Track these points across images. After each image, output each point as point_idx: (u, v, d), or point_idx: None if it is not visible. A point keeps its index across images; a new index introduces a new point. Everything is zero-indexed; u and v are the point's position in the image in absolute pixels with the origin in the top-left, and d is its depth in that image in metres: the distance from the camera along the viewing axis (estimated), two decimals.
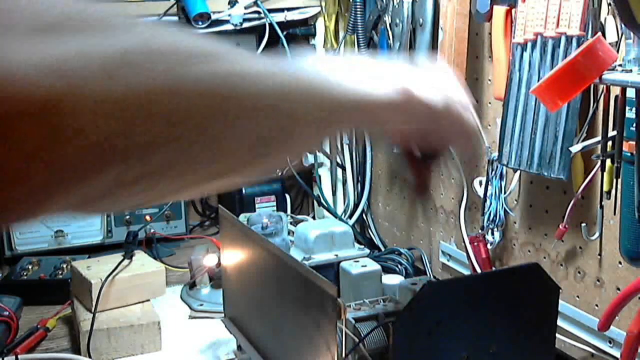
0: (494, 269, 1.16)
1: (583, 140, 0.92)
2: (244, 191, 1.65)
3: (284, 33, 1.53)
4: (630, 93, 0.79)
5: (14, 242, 1.49)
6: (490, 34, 1.08)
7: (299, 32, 1.58)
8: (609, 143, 0.87)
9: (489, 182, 1.10)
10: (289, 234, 1.29)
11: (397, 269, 1.31)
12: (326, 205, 1.60)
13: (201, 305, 1.26)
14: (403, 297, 0.96)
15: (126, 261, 1.30)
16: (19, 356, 1.07)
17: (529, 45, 0.96)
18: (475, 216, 1.19)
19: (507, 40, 1.02)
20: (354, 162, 1.58)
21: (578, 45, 0.88)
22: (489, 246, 1.14)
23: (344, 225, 1.30)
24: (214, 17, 1.43)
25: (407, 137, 0.66)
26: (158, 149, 0.38)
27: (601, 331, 0.85)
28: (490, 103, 1.14)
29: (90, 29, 0.36)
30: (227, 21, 1.49)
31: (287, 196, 1.71)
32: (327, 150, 1.61)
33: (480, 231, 1.14)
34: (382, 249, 1.50)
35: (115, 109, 0.35)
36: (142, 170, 0.39)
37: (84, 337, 1.08)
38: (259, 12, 1.50)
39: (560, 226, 0.98)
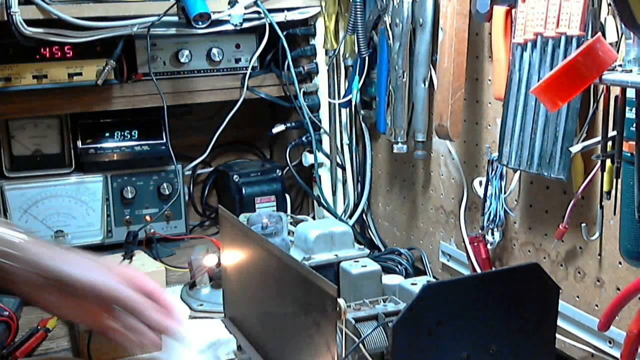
0: (494, 269, 1.16)
1: (583, 140, 0.92)
2: (244, 191, 1.65)
3: (284, 33, 1.53)
4: (630, 93, 0.79)
5: None
6: (490, 34, 1.08)
7: (299, 32, 1.58)
8: (609, 143, 0.87)
9: (489, 182, 1.10)
10: (289, 234, 1.29)
11: (397, 269, 1.31)
12: (326, 205, 1.60)
13: (201, 305, 1.26)
14: (403, 297, 0.96)
15: (126, 261, 1.31)
16: None
17: (529, 45, 0.96)
18: (475, 216, 1.19)
19: (507, 40, 1.02)
20: (354, 162, 1.58)
21: (578, 45, 0.88)
22: (489, 246, 1.14)
23: (344, 225, 1.30)
24: (214, 17, 1.43)
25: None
26: None
27: (601, 331, 0.85)
28: (490, 103, 1.14)
29: None
30: (227, 21, 1.49)
31: (287, 196, 1.71)
32: (327, 150, 1.61)
33: (480, 231, 1.14)
34: (382, 249, 1.50)
35: None
36: None
37: (84, 337, 1.08)
38: (259, 12, 1.50)
39: (560, 226, 0.98)
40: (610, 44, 0.84)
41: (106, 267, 0.92)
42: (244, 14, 1.48)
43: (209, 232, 1.71)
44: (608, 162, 0.87)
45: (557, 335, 0.85)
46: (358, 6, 1.35)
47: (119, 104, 1.52)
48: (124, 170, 1.57)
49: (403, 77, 1.25)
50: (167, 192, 1.60)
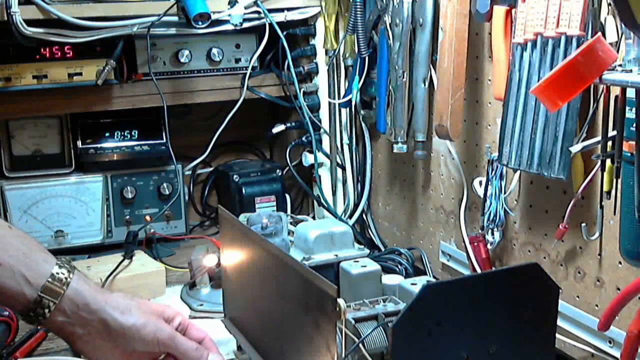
0: (494, 269, 1.16)
1: (583, 140, 0.92)
2: (244, 191, 1.65)
3: (284, 33, 1.53)
4: (630, 93, 0.79)
5: None
6: (490, 34, 1.08)
7: (299, 32, 1.58)
8: (609, 143, 0.87)
9: (489, 182, 1.10)
10: (289, 234, 1.29)
11: (397, 269, 1.31)
12: (326, 205, 1.60)
13: (201, 305, 1.26)
14: (403, 297, 0.96)
15: (126, 261, 1.31)
16: None
17: (529, 45, 0.96)
18: (475, 216, 1.19)
19: (507, 40, 1.02)
20: (354, 162, 1.58)
21: (578, 45, 0.89)
22: (489, 246, 1.14)
23: (344, 225, 1.30)
24: (214, 17, 1.43)
25: None
26: None
27: (601, 331, 0.85)
28: (490, 103, 1.14)
29: None
30: (227, 21, 1.49)
31: (287, 196, 1.71)
32: (327, 150, 1.61)
33: (480, 231, 1.14)
34: (382, 249, 1.50)
35: None
36: None
37: None
38: (259, 12, 1.50)
39: (560, 226, 0.98)
40: (610, 44, 0.84)
41: (155, 313, 0.88)
42: (244, 14, 1.48)
43: (209, 232, 1.71)
44: (608, 162, 0.87)
45: (557, 335, 0.85)
46: (358, 6, 1.35)
47: (119, 104, 1.52)
48: (124, 170, 1.57)
49: (403, 77, 1.25)
50: (167, 192, 1.60)
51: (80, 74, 1.45)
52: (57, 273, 0.81)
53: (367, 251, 1.27)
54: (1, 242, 0.80)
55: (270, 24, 1.51)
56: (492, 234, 1.13)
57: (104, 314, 0.82)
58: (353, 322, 0.85)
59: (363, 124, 1.52)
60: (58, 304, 0.80)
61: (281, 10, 1.54)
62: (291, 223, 1.38)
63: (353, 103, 1.46)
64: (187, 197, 1.69)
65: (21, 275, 0.79)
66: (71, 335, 0.83)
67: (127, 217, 1.58)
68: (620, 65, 0.75)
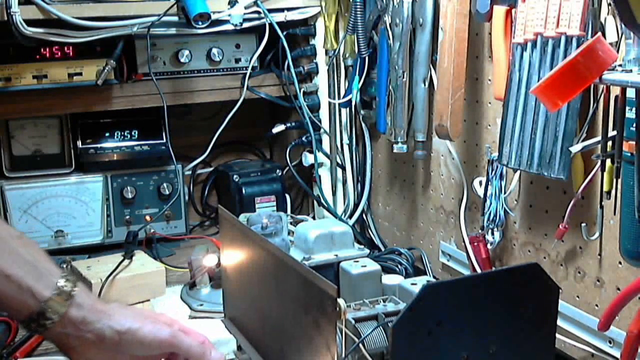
0: (494, 269, 1.16)
1: (583, 140, 0.92)
2: (244, 191, 1.65)
3: (284, 33, 1.53)
4: (630, 93, 0.79)
5: None
6: (490, 34, 1.08)
7: (299, 32, 1.58)
8: (609, 143, 0.87)
9: (489, 182, 1.10)
10: (289, 234, 1.29)
11: (397, 269, 1.31)
12: (326, 205, 1.60)
13: (201, 305, 1.26)
14: (403, 297, 0.96)
15: (126, 261, 1.31)
16: None
17: (529, 45, 0.96)
18: (475, 216, 1.19)
19: (507, 40, 1.02)
20: (354, 162, 1.58)
21: (578, 45, 0.89)
22: (489, 246, 1.14)
23: (344, 225, 1.30)
24: (214, 17, 1.43)
25: None
26: None
27: (601, 331, 0.85)
28: (490, 103, 1.14)
29: None
30: (227, 21, 1.49)
31: (287, 196, 1.71)
32: (327, 150, 1.61)
33: (480, 231, 1.14)
34: (382, 249, 1.50)
35: None
36: None
37: None
38: (259, 12, 1.50)
39: (560, 226, 0.98)
40: (610, 44, 0.84)
41: (151, 318, 0.87)
42: (244, 14, 1.48)
43: (209, 232, 1.71)
44: (608, 162, 0.87)
45: (557, 335, 0.85)
46: (358, 6, 1.35)
47: (119, 104, 1.52)
48: (124, 170, 1.57)
49: (403, 77, 1.25)
50: (167, 192, 1.60)
51: (80, 74, 1.45)
52: (63, 287, 0.81)
53: (367, 251, 1.27)
54: (12, 254, 0.79)
55: (270, 24, 1.51)
56: (492, 234, 1.13)
57: (98, 324, 0.82)
58: (353, 322, 0.85)
59: (363, 124, 1.52)
60: (60, 318, 0.80)
61: (281, 10, 1.54)
62: (291, 223, 1.38)
63: (353, 103, 1.46)
64: (187, 197, 1.69)
65: (28, 288, 0.78)
66: (65, 345, 0.83)
67: (127, 217, 1.58)
68: (620, 65, 0.75)
